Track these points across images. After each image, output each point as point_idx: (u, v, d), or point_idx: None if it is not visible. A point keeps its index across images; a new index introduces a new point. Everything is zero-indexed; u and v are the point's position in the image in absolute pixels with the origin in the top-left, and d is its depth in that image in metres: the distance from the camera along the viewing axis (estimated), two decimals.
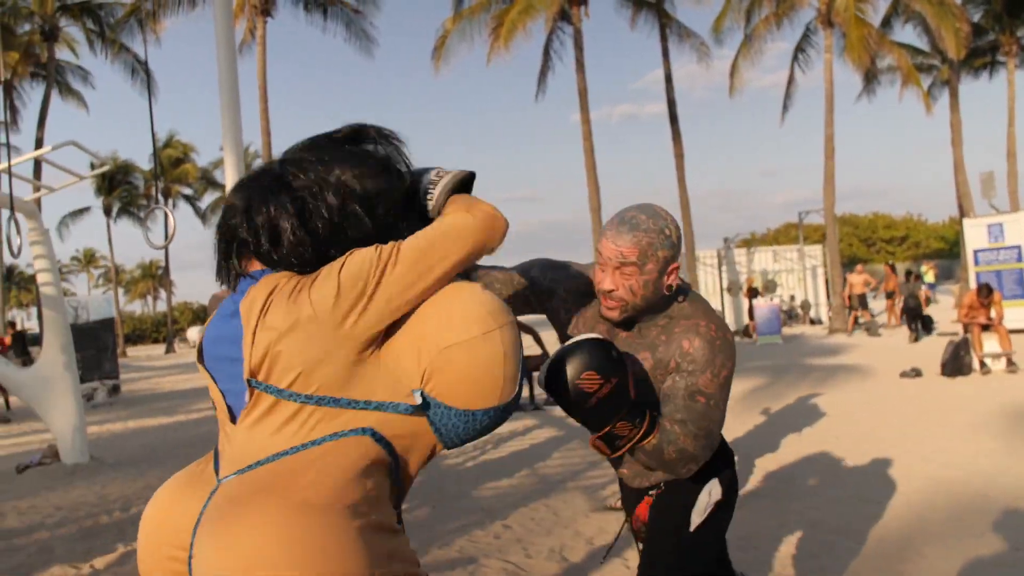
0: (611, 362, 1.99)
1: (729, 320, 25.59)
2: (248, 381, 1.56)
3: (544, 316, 2.45)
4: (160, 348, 51.50)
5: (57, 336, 8.32)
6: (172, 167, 49.58)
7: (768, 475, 6.47)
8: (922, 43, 30.29)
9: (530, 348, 12.03)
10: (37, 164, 16.52)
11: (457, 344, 1.54)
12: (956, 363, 11.76)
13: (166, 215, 5.96)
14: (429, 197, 1.77)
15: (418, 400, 1.55)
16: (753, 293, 23.38)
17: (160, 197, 47.97)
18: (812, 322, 25.92)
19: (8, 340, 20.06)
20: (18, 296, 66.24)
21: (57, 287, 8.59)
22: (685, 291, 2.26)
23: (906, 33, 34.21)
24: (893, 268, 23.44)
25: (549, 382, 2.03)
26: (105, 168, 11.32)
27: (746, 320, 23.69)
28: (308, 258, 1.60)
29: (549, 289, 2.37)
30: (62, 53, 36.33)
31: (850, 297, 21.92)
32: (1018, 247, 18.08)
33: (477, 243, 1.64)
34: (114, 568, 5.14)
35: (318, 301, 1.50)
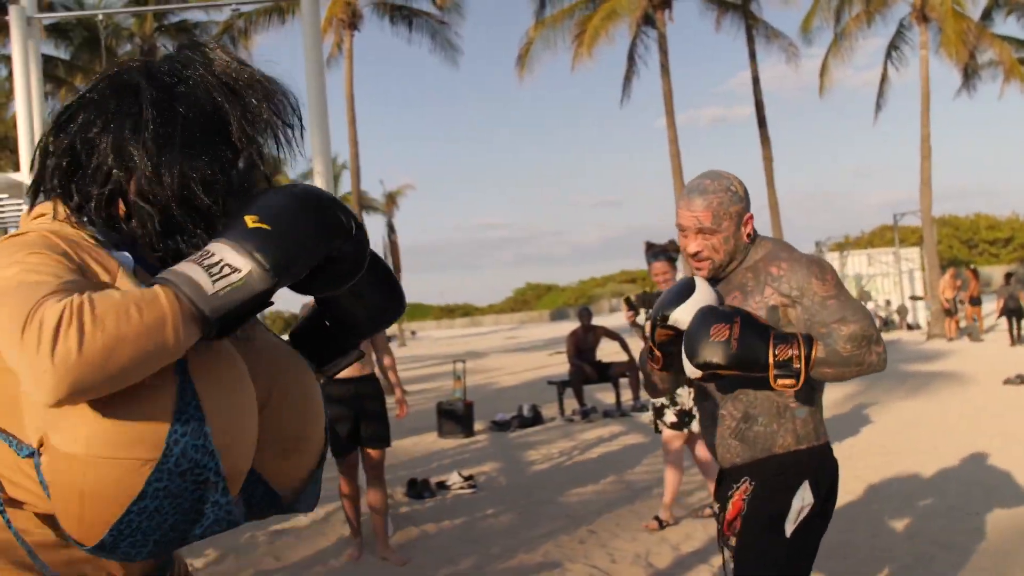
0: (719, 308, 2.16)
1: None
2: None
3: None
4: None
5: None
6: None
7: (863, 484, 6.29)
8: None
9: (618, 355, 11.97)
10: None
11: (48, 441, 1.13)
12: None
13: None
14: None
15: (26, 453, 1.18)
16: None
17: None
18: (909, 327, 25.12)
19: None
20: None
21: None
22: (762, 238, 2.43)
23: (1009, 26, 32.97)
24: (976, 273, 22.49)
25: (692, 360, 2.12)
26: None
27: None
28: None
29: None
30: None
31: (949, 301, 21.13)
32: None
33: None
34: (211, 567, 5.31)
35: None
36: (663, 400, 5.54)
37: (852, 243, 57.23)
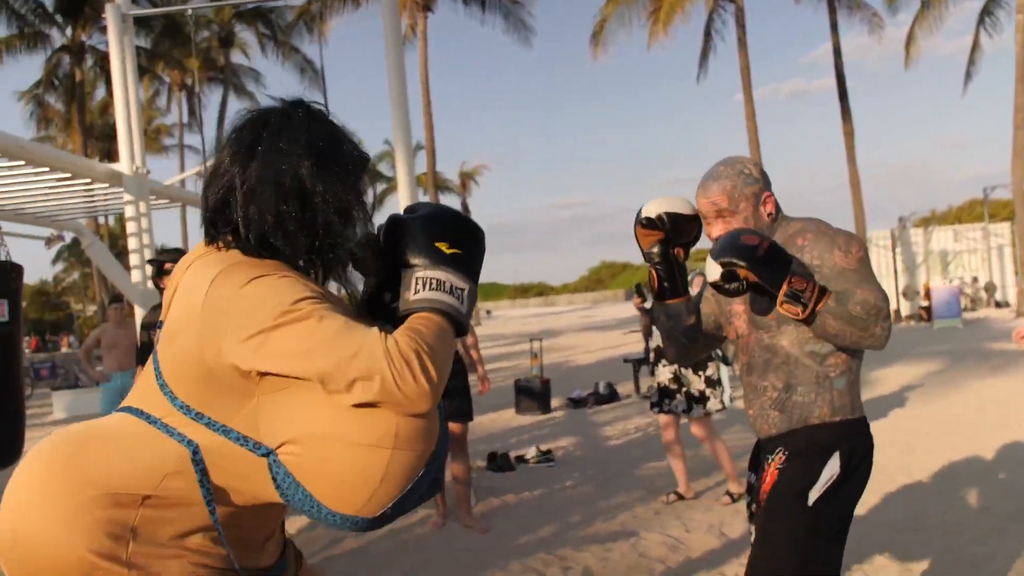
0: (758, 231, 2.25)
1: (903, 303, 24.39)
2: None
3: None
4: None
5: None
6: None
7: (938, 459, 6.27)
8: None
9: None
10: None
11: (338, 440, 1.45)
12: None
13: None
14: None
15: (262, 455, 1.49)
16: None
17: None
18: (998, 305, 24.44)
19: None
20: None
21: None
22: (787, 217, 2.46)
23: None
24: None
25: (722, 252, 2.22)
26: None
27: (921, 303, 22.61)
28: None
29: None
30: (236, 57, 38.68)
31: None
32: None
33: (361, 391, 1.40)
34: (305, 532, 5.59)
35: (209, 311, 1.46)
36: (669, 383, 5.62)
37: (939, 218, 55.53)
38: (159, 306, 4.84)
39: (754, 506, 2.54)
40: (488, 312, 60.90)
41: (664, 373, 5.71)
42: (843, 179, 24.54)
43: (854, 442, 2.34)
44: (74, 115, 32.65)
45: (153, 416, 1.54)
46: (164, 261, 4.53)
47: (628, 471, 6.73)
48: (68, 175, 6.42)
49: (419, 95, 29.53)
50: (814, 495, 2.26)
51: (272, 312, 1.41)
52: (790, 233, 2.39)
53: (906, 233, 25.03)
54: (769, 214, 2.42)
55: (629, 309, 40.01)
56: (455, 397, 5.35)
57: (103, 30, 24.48)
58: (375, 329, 1.42)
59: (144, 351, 4.65)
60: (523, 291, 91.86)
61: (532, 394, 10.48)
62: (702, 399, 5.60)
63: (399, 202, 6.57)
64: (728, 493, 5.56)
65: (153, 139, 44.61)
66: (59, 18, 29.91)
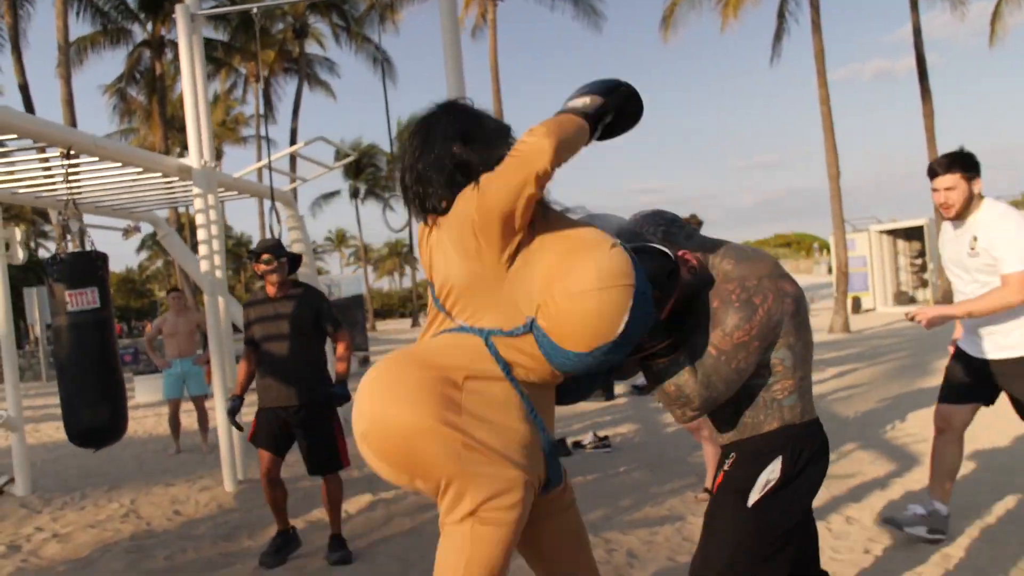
0: (667, 280, 2.25)
1: None
2: (434, 300, 2.18)
3: None
4: (407, 322, 54.68)
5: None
6: None
7: (992, 449, 6.18)
8: None
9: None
10: (292, 156, 18.16)
11: (570, 291, 1.92)
12: None
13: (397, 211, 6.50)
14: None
15: (526, 325, 2.02)
16: None
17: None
18: None
19: None
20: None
21: (312, 267, 9.55)
22: (719, 250, 2.44)
23: None
24: None
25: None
26: (349, 159, 12.32)
27: None
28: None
29: None
30: (311, 48, 39.36)
31: None
32: None
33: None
34: (364, 513, 5.80)
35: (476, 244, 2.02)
36: None
37: None
38: (255, 300, 5.06)
39: None
40: None
41: None
42: (923, 162, 23.66)
43: (801, 444, 2.38)
44: (155, 107, 33.64)
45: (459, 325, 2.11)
46: (261, 252, 4.84)
47: (683, 458, 6.78)
48: (140, 169, 6.70)
49: (489, 83, 29.61)
50: (753, 496, 2.34)
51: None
52: (720, 281, 2.39)
53: None
54: (690, 270, 2.42)
55: None
56: None
57: None
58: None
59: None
60: None
61: None
62: None
63: None
64: (706, 489, 5.57)
65: (231, 130, 45.70)
66: (140, 14, 30.85)
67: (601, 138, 2.20)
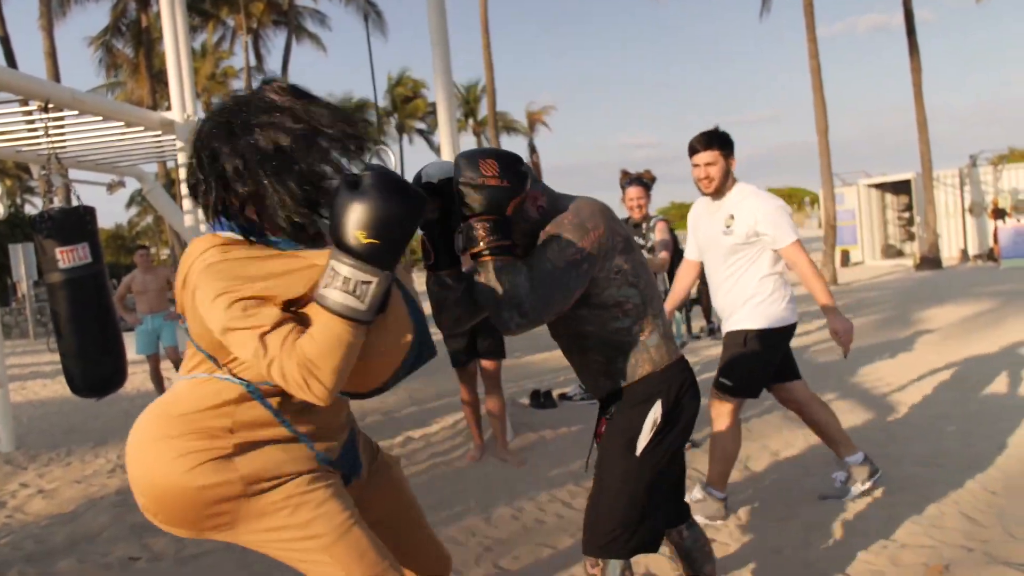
0: (518, 171, 2.23)
1: (972, 243, 23.87)
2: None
3: None
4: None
5: None
6: (404, 103, 51.87)
7: (984, 399, 6.27)
8: None
9: None
10: None
11: None
12: None
13: (386, 153, 6.47)
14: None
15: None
16: (999, 214, 21.67)
17: (396, 133, 50.61)
18: None
19: None
20: None
21: None
22: (568, 201, 2.45)
23: None
24: None
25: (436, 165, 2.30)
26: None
27: (990, 243, 22.06)
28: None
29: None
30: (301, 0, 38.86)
31: None
32: None
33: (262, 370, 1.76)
34: None
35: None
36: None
37: (1018, 156, 53.47)
38: None
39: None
40: None
41: None
42: (911, 118, 23.44)
43: (672, 382, 2.50)
44: (141, 60, 33.26)
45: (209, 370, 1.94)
46: None
47: None
48: (123, 124, 6.66)
49: (480, 37, 29.32)
50: (641, 443, 2.45)
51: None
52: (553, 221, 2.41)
53: (976, 172, 24.36)
54: (539, 208, 2.42)
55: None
56: (489, 335, 5.52)
57: None
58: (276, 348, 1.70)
59: None
60: None
61: None
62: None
63: (440, 144, 6.65)
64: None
65: (221, 83, 45.21)
66: None
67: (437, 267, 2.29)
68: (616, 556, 2.47)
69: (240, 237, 1.87)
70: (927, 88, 23.17)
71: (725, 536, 3.97)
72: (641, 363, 2.48)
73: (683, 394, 2.52)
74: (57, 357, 5.67)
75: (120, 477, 6.13)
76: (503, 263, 2.21)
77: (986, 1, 25.30)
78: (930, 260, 21.75)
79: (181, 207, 7.81)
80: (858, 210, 25.92)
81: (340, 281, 1.67)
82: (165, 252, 48.04)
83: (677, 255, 5.90)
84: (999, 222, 21.27)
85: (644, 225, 5.77)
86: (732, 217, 4.00)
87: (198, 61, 35.11)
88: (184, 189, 6.91)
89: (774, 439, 5.60)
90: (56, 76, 24.45)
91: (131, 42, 34.67)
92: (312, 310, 1.74)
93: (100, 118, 6.40)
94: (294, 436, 1.94)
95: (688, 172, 4.15)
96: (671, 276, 5.84)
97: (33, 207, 37.30)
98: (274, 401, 1.91)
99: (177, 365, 9.19)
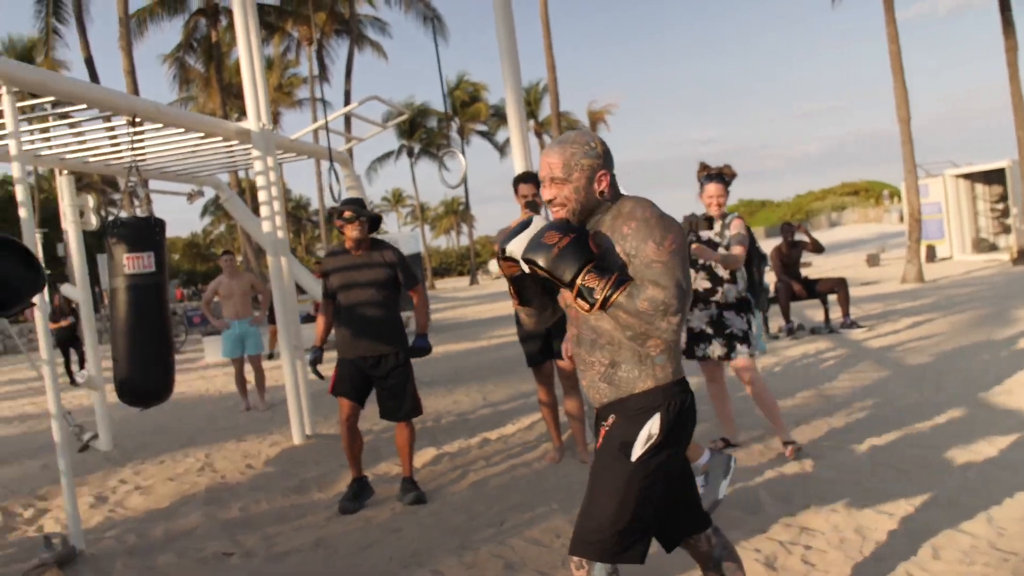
0: (568, 225, 2.44)
1: None
2: None
3: None
4: (464, 280, 54.96)
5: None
6: (464, 107, 52.22)
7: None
8: None
9: (829, 272, 11.71)
10: (347, 117, 18.29)
11: None
12: None
13: (456, 156, 6.54)
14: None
15: None
16: None
17: (457, 136, 50.95)
18: None
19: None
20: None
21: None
22: (624, 197, 2.57)
23: None
24: None
25: (524, 253, 2.43)
26: (403, 117, 12.48)
27: None
28: None
29: None
30: (361, 8, 39.38)
31: None
32: None
33: None
34: (429, 467, 5.91)
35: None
36: (705, 327, 5.47)
37: None
38: (335, 251, 5.30)
39: None
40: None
41: (700, 317, 5.50)
42: (1006, 100, 22.05)
43: (673, 401, 2.49)
44: (212, 75, 34.09)
45: None
46: (344, 209, 5.11)
47: (751, 410, 6.71)
48: (201, 134, 6.82)
49: (541, 38, 29.34)
50: (636, 452, 2.45)
51: None
52: (621, 214, 2.50)
53: None
54: (601, 192, 2.52)
55: (770, 247, 39.07)
56: (563, 336, 5.50)
57: None
58: None
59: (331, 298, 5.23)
60: None
61: None
62: (746, 339, 5.42)
63: (512, 148, 6.69)
64: (723, 439, 5.64)
65: (287, 93, 46.08)
66: None
67: None
68: (601, 559, 2.44)
69: None
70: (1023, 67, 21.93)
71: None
72: (643, 377, 2.49)
73: (683, 413, 2.52)
74: None
75: (208, 475, 6.31)
76: (627, 290, 2.34)
77: None
78: None
79: (257, 214, 7.96)
80: (945, 202, 24.55)
81: None
82: (238, 259, 49.11)
83: (753, 251, 5.79)
84: None
85: (720, 222, 5.70)
86: None
87: (266, 73, 35.84)
88: (262, 196, 7.03)
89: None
90: (135, 92, 25.18)
91: (202, 57, 35.56)
92: None
93: (181, 130, 6.56)
94: None
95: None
96: (749, 271, 5.74)
97: None
98: None
99: (259, 373, 9.42)
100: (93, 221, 7.66)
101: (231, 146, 7.49)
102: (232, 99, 34.92)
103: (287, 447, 7.07)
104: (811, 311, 13.30)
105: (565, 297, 2.64)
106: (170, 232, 5.92)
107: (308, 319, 15.02)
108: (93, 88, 5.59)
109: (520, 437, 6.56)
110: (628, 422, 2.49)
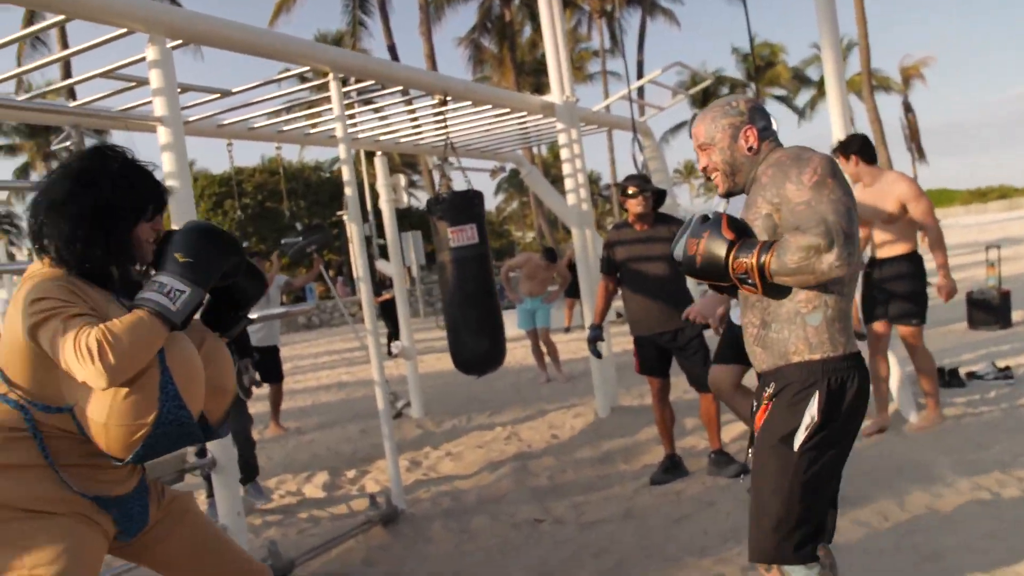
0: (701, 221, 2.36)
1: None
2: None
3: None
4: None
5: None
6: (760, 71, 50.28)
7: None
8: None
9: None
10: (640, 89, 18.22)
11: (81, 411, 2.01)
12: None
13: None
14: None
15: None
16: None
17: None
18: None
19: None
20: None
21: (671, 195, 9.47)
22: (777, 149, 2.44)
23: None
24: None
25: (680, 264, 2.40)
26: (706, 83, 12.27)
27: None
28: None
29: None
30: None
31: None
32: None
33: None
34: (738, 441, 5.68)
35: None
36: None
37: None
38: (619, 225, 5.25)
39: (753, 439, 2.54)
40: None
41: None
42: None
43: (834, 380, 2.31)
44: (506, 54, 35.31)
45: None
46: (627, 184, 5.03)
47: None
48: (506, 110, 6.98)
49: None
50: (799, 440, 2.30)
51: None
52: (764, 166, 2.41)
53: None
54: (750, 147, 2.43)
55: None
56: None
57: None
58: (85, 325, 1.88)
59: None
60: (980, 195, 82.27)
61: (988, 307, 9.48)
62: None
63: (829, 111, 6.16)
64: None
65: (578, 68, 46.77)
66: None
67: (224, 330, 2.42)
68: (775, 561, 2.35)
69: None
70: None
71: None
72: (794, 340, 2.34)
73: (851, 394, 2.33)
74: (444, 333, 6.10)
75: (516, 444, 6.50)
76: (774, 255, 2.20)
77: None
78: None
79: (559, 189, 8.04)
80: None
81: (155, 285, 2.02)
82: (530, 235, 50.79)
83: None
84: None
85: None
86: None
87: None
88: (566, 168, 7.07)
89: None
90: None
91: (495, 38, 36.89)
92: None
93: (483, 107, 6.74)
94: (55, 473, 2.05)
95: None
96: None
97: (417, 200, 41.04)
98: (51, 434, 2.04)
99: (548, 343, 9.66)
100: (404, 199, 8.12)
101: (527, 121, 7.60)
102: (524, 76, 35.93)
103: (591, 418, 7.10)
104: None
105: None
106: None
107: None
108: (408, 69, 5.85)
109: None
110: (788, 402, 2.34)
